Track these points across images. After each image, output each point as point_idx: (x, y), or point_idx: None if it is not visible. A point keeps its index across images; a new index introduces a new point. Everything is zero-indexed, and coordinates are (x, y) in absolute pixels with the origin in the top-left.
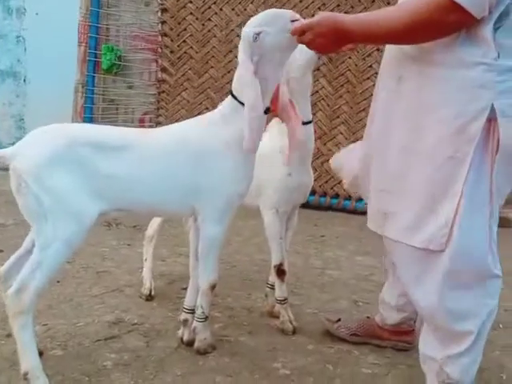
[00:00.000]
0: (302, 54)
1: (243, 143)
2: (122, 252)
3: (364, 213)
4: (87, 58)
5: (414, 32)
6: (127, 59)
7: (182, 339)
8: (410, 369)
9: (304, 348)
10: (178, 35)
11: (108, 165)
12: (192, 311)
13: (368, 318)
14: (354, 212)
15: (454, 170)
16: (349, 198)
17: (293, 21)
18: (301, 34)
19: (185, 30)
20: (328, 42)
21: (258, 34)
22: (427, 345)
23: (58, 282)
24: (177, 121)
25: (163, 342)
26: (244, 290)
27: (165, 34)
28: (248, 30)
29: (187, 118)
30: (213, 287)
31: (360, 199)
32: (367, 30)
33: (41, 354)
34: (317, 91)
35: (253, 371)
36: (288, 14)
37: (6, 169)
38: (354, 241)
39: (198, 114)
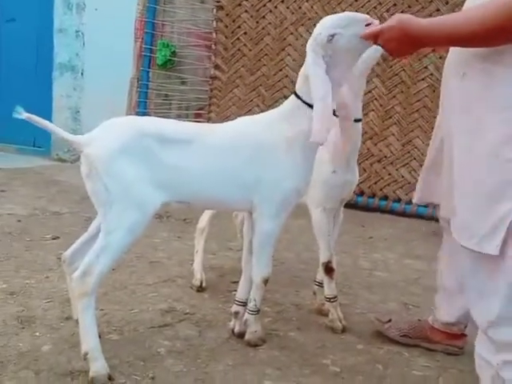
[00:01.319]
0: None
1: (312, 135)
2: (172, 244)
3: (412, 215)
4: (143, 54)
5: (496, 35)
6: (181, 55)
7: (233, 330)
8: (462, 373)
9: (353, 347)
10: (232, 32)
11: (172, 157)
12: (243, 304)
13: (419, 320)
14: (402, 214)
15: None
16: (398, 200)
17: (367, 24)
18: (374, 40)
19: (239, 27)
20: (401, 47)
21: (333, 35)
22: (483, 347)
23: (114, 269)
24: (228, 118)
25: (214, 332)
26: (292, 286)
27: (219, 31)
28: (322, 30)
29: (238, 115)
30: (266, 281)
31: (409, 202)
32: (441, 34)
33: (98, 337)
34: (370, 91)
35: (302, 366)
36: (363, 18)
37: (61, 160)
38: (403, 243)
39: (249, 111)
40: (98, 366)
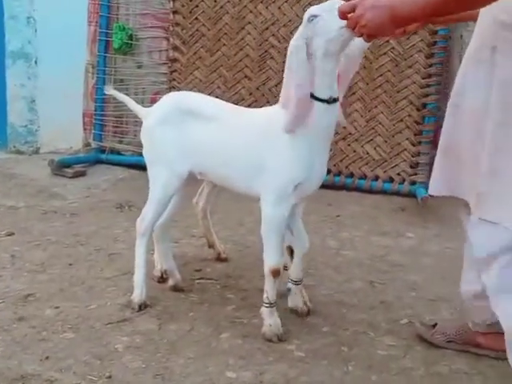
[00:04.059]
0: None
1: (284, 123)
2: (133, 234)
3: (379, 192)
4: (98, 38)
5: None
6: (137, 38)
7: None
8: (428, 350)
9: (319, 330)
10: (190, 12)
11: (197, 131)
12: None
13: (467, 324)
14: (369, 191)
15: None
16: (364, 177)
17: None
18: (350, 12)
19: (197, 6)
20: (384, 25)
21: (315, 16)
22: None
23: (71, 264)
24: None
25: (176, 324)
26: (257, 271)
27: (176, 12)
28: (309, 10)
29: None
30: (275, 272)
31: (375, 179)
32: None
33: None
34: None
35: (266, 353)
36: (338, 4)
37: (18, 152)
38: (370, 221)
39: (211, 93)
40: (136, 294)
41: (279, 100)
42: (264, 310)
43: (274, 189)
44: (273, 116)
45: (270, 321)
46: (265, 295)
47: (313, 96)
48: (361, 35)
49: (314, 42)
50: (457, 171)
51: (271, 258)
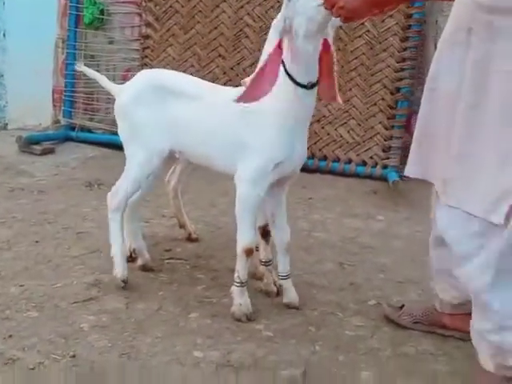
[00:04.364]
0: None
1: (239, 95)
2: (102, 213)
3: (351, 175)
4: (68, 12)
5: None
6: (108, 13)
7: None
8: (395, 331)
9: (287, 310)
10: None
11: (175, 108)
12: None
13: (434, 305)
14: (342, 174)
15: None
16: (337, 160)
17: None
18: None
19: None
20: (361, 7)
21: None
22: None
23: (37, 242)
24: None
25: (144, 303)
26: (228, 251)
27: None
28: None
29: None
30: (247, 252)
31: (348, 162)
32: None
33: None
34: None
35: (235, 333)
36: None
37: None
38: (342, 203)
39: (184, 71)
40: (118, 271)
41: None
42: (235, 289)
43: (255, 167)
44: None
45: (240, 300)
46: (236, 274)
47: (293, 80)
48: (338, 16)
49: (295, 21)
50: (431, 155)
51: (245, 237)
